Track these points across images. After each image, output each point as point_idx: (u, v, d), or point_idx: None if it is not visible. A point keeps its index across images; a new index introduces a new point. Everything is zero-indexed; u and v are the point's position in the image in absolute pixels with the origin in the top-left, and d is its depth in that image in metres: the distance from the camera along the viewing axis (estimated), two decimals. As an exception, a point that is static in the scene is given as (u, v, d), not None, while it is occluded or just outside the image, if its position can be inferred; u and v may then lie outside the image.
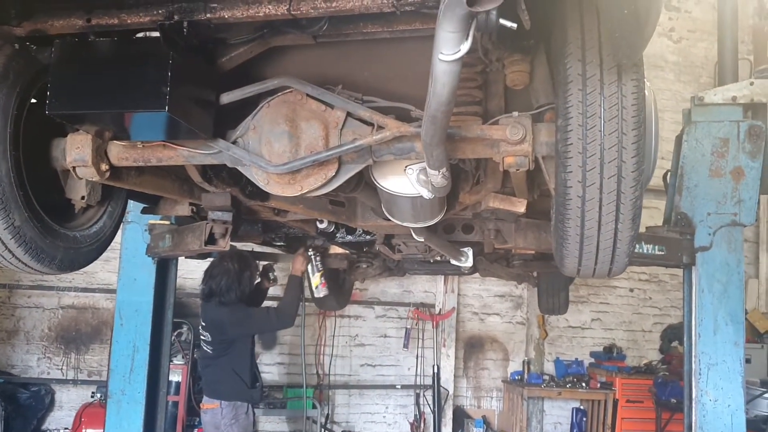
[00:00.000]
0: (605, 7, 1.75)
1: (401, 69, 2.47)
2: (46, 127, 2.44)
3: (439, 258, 5.00)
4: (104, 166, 2.43)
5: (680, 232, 3.74)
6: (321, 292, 5.04)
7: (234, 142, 2.37)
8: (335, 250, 5.10)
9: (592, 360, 9.06)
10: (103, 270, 7.62)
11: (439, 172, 2.17)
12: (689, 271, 3.84)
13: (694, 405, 3.73)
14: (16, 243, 2.32)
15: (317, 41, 2.30)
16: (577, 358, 8.98)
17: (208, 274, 4.55)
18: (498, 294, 8.93)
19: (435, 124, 1.84)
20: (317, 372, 7.91)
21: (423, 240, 3.68)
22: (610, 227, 1.94)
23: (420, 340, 8.39)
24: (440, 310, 8.46)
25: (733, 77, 3.99)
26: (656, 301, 9.53)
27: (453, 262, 4.58)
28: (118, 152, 2.44)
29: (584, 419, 8.36)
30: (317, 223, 4.01)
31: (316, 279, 4.97)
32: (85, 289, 7.62)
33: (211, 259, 4.76)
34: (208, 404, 4.64)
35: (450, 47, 1.54)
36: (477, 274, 6.31)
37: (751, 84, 3.84)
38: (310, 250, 4.95)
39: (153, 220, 4.22)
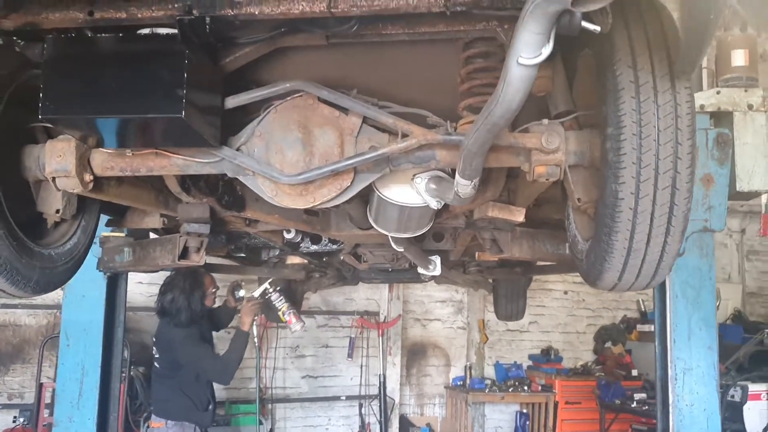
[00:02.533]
0: (668, 20, 1.69)
1: (413, 73, 2.33)
2: (14, 132, 2.18)
3: (398, 266, 4.91)
4: (88, 177, 2.18)
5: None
6: (296, 327, 4.82)
7: (237, 150, 2.18)
8: (293, 260, 4.90)
9: (531, 363, 9.19)
10: (26, 284, 7.08)
11: (471, 182, 2.05)
12: (663, 276, 3.87)
13: (671, 410, 3.76)
14: (-4, 268, 2.04)
15: (329, 42, 2.13)
16: (516, 362, 9.09)
17: (162, 290, 4.36)
18: (439, 299, 8.92)
19: (492, 132, 1.72)
20: (258, 386, 7.63)
21: (402, 249, 3.56)
22: (659, 240, 1.87)
23: (364, 349, 8.25)
24: (385, 317, 8.35)
25: (699, 86, 4.08)
26: (589, 303, 9.77)
27: (421, 270, 4.48)
28: (103, 161, 2.19)
29: (527, 422, 8.44)
30: (284, 233, 3.83)
31: (281, 316, 4.76)
32: (4, 305, 7.06)
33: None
34: (155, 422, 4.42)
35: (532, 50, 1.42)
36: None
37: (718, 93, 3.91)
38: (269, 288, 4.73)
39: (105, 232, 3.89)
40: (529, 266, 4.82)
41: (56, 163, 2.11)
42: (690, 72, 1.74)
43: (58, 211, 2.33)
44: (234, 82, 2.17)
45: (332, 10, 1.71)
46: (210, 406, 4.52)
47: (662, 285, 3.88)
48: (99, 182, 2.25)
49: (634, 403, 7.25)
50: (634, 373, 8.53)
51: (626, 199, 1.82)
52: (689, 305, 3.79)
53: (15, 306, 7.10)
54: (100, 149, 2.18)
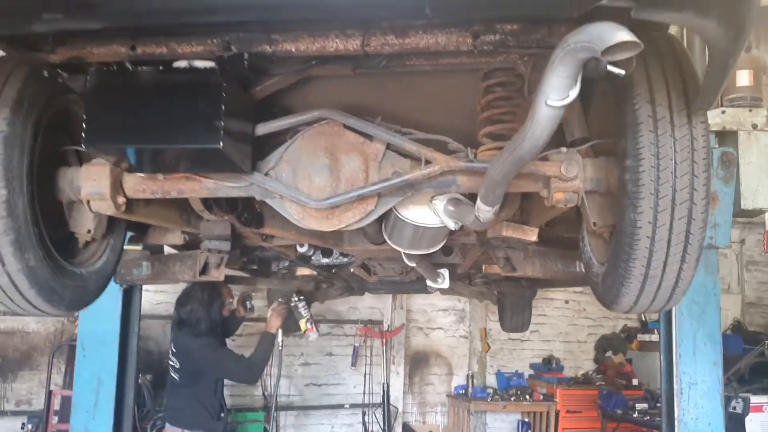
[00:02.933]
0: (685, 59, 1.78)
1: (434, 100, 2.42)
2: (50, 155, 2.25)
3: (407, 279, 4.99)
4: (121, 199, 2.26)
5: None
6: (313, 336, 4.95)
7: (266, 175, 2.26)
8: (302, 272, 4.98)
9: (532, 372, 9.27)
10: (34, 292, 7.16)
11: (493, 208, 2.13)
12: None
13: (676, 424, 3.84)
14: (30, 285, 2.12)
15: (354, 72, 2.21)
16: (517, 370, 9.17)
17: (180, 302, 4.46)
18: (442, 308, 9.00)
19: (518, 165, 1.80)
20: (263, 393, 7.69)
21: (413, 264, 3.64)
22: (675, 267, 1.95)
23: (368, 357, 8.32)
24: (389, 326, 8.43)
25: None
26: (590, 312, 9.85)
27: (430, 283, 4.56)
28: (135, 184, 2.27)
29: (529, 431, 8.52)
30: (297, 246, 3.91)
31: (302, 324, 4.88)
32: (13, 313, 7.11)
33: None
34: (169, 430, 4.53)
35: (560, 93, 1.51)
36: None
37: (723, 112, 4.01)
38: (294, 296, 4.86)
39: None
40: (536, 280, 4.89)
41: (91, 186, 2.19)
42: (707, 109, 1.82)
43: (89, 231, 2.40)
44: (262, 108, 2.26)
45: (365, 48, 1.80)
46: (222, 415, 4.63)
47: (668, 301, 3.96)
48: (130, 204, 2.33)
49: (636, 413, 7.32)
50: (635, 382, 8.60)
51: (644, 227, 1.90)
52: (694, 321, 3.88)
53: (24, 313, 7.15)
54: (133, 173, 2.26)
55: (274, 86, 2.21)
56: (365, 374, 8.31)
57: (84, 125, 1.88)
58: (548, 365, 9.18)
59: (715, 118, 3.99)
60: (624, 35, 1.31)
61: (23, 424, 6.68)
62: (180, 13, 1.62)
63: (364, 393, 8.26)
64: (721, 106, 4.06)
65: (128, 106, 1.89)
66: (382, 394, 8.04)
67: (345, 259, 4.21)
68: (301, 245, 3.90)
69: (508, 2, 1.57)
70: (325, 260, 4.19)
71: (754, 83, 4.06)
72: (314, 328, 4.87)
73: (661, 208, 1.87)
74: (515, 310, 5.93)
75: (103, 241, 2.55)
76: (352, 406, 8.30)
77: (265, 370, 7.72)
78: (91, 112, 1.89)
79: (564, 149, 2.16)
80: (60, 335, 7.14)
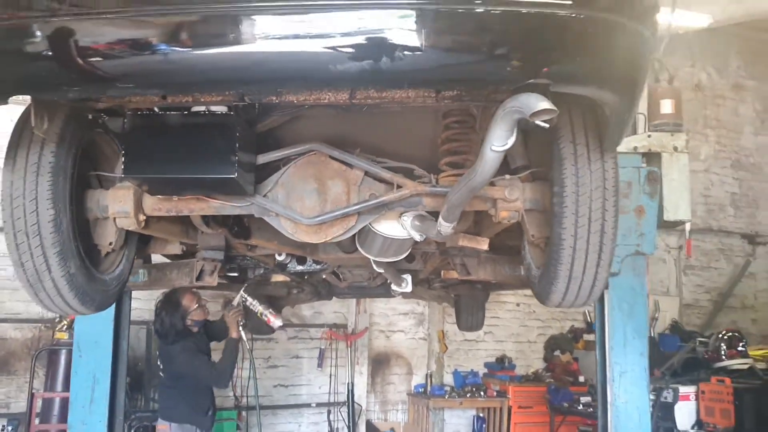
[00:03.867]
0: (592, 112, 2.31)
1: (403, 132, 2.91)
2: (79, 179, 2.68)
3: (373, 284, 5.49)
4: (141, 217, 2.70)
5: (596, 261, 4.42)
6: (276, 323, 5.35)
7: (264, 196, 2.72)
8: (277, 278, 5.42)
9: (486, 370, 9.83)
10: (11, 299, 7.45)
11: (452, 224, 2.63)
12: (602, 293, 4.52)
13: (609, 408, 4.40)
14: (69, 289, 2.54)
15: (337, 111, 2.70)
16: (473, 369, 9.71)
17: (155, 314, 4.94)
18: (402, 312, 9.51)
19: (471, 192, 2.31)
20: (234, 394, 8.08)
21: (382, 271, 4.13)
22: (592, 271, 2.48)
23: (333, 359, 8.78)
24: (353, 329, 8.91)
25: (633, 130, 4.74)
26: (539, 314, 10.46)
27: (394, 287, 5.05)
28: (153, 204, 2.71)
29: (484, 425, 9.07)
30: (276, 255, 4.36)
31: (261, 317, 5.29)
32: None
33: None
34: (160, 425, 4.98)
35: (501, 141, 2.01)
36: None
37: (649, 136, 4.61)
38: (240, 297, 5.25)
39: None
40: (488, 283, 5.43)
41: (118, 206, 2.63)
42: (614, 148, 2.36)
43: (110, 244, 2.82)
44: (261, 140, 2.73)
45: (352, 100, 2.28)
46: (210, 412, 5.07)
47: (602, 300, 4.53)
48: (147, 220, 2.78)
49: (581, 405, 7.93)
50: (581, 379, 9.21)
51: (567, 239, 2.42)
52: (624, 317, 4.45)
53: (2, 320, 7.43)
54: (152, 195, 2.71)
55: (274, 123, 2.69)
56: (330, 375, 8.76)
57: (123, 159, 2.33)
58: (501, 364, 9.75)
59: (642, 141, 4.59)
60: (544, 104, 1.82)
61: (3, 426, 6.95)
62: (207, 81, 2.05)
63: (329, 393, 8.73)
64: (648, 131, 4.67)
65: (159, 143, 2.34)
66: (346, 393, 8.51)
67: (318, 267, 4.67)
68: (280, 254, 4.36)
69: (466, 80, 2.06)
70: (299, 267, 4.64)
71: (675, 111, 4.68)
72: (273, 317, 5.26)
73: (580, 225, 2.39)
74: (470, 311, 6.46)
75: (120, 252, 2.98)
76: (318, 405, 8.75)
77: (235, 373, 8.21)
78: (129, 148, 2.34)
79: (507, 176, 2.69)
80: (37, 341, 7.42)
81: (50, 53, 1.82)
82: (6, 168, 2.41)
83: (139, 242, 3.57)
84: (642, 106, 4.83)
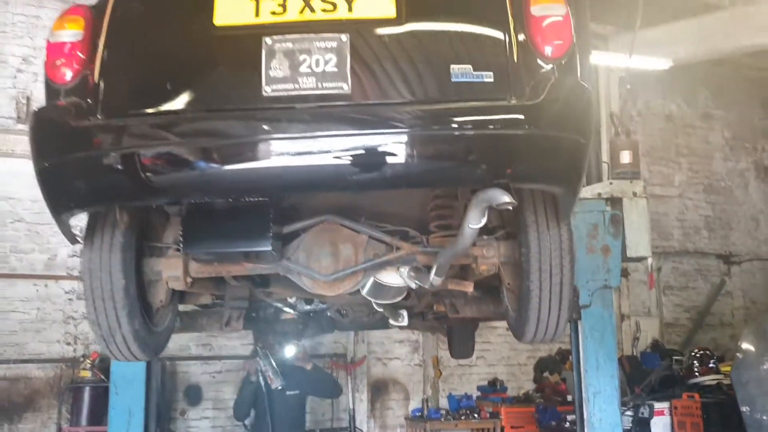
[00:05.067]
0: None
1: (399, 201, 3.54)
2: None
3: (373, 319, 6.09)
4: (188, 279, 3.29)
5: (569, 295, 5.05)
6: (275, 384, 6.16)
7: (288, 259, 3.34)
8: (286, 316, 6.02)
9: (479, 393, 10.39)
10: (34, 341, 8.01)
11: (441, 278, 3.26)
12: (575, 323, 5.15)
13: (585, 425, 5.01)
14: (134, 341, 3.14)
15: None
16: (466, 393, 10.25)
17: None
18: (398, 340, 10.09)
19: (455, 256, 2.94)
20: (244, 424, 8.61)
21: (381, 309, 4.73)
22: (555, 313, 3.09)
23: (334, 388, 9.35)
24: (352, 358, 9.48)
25: (598, 178, 5.41)
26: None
27: (392, 321, 5.65)
28: (197, 267, 3.30)
29: (478, 446, 9.62)
30: (287, 298, 4.96)
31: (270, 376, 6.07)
32: (17, 361, 7.93)
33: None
34: None
35: (476, 222, 2.65)
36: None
37: (611, 183, 5.28)
38: (257, 356, 6.06)
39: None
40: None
41: (171, 272, 3.22)
42: (567, 218, 2.99)
43: (161, 301, 3.41)
44: (286, 213, 3.34)
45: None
46: None
47: (576, 329, 5.16)
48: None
49: (567, 423, 8.49)
50: (569, 398, 9.74)
51: (534, 290, 3.04)
52: (596, 344, 5.07)
53: (26, 362, 7.96)
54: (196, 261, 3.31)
55: (295, 200, 3.32)
56: (332, 402, 9.31)
57: (183, 238, 2.94)
58: (493, 387, 10.29)
59: (606, 188, 5.26)
60: (506, 198, 2.46)
61: (31, 460, 7.47)
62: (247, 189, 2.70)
63: (332, 419, 9.27)
64: (610, 178, 5.33)
65: (210, 225, 2.95)
66: (348, 419, 9.06)
67: (323, 306, 5.28)
68: (291, 297, 4.97)
69: (447, 181, 2.71)
70: (308, 307, 5.25)
71: (633, 160, 5.36)
72: (271, 380, 6.17)
73: (543, 278, 3.02)
74: (461, 340, 7.04)
75: (168, 307, 3.57)
76: (322, 431, 9.28)
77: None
78: (186, 229, 2.95)
79: (486, 237, 3.32)
80: (59, 380, 7.96)
81: (129, 175, 2.45)
82: (85, 247, 3.02)
83: (179, 295, 4.20)
84: (605, 156, 5.51)
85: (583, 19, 7.01)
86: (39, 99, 8.27)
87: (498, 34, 2.65)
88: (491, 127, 2.45)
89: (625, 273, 10.35)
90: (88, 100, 2.63)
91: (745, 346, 5.40)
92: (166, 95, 2.61)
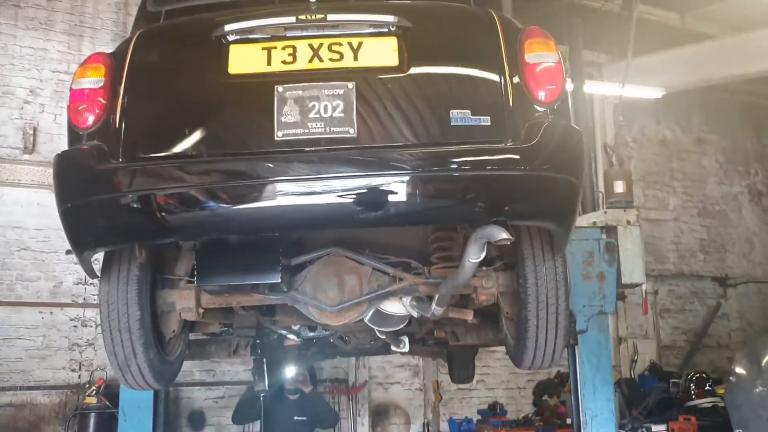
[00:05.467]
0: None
1: (402, 233, 3.69)
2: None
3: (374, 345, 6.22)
4: (200, 310, 3.43)
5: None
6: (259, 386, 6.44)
7: (295, 290, 3.48)
8: (289, 342, 6.15)
9: (480, 417, 10.47)
10: (40, 368, 8.11)
11: (442, 307, 3.41)
12: (573, 348, 5.29)
13: (584, 447, 5.13)
14: (149, 370, 3.27)
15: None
16: (467, 417, 10.33)
17: None
18: (398, 365, 10.19)
19: (456, 288, 3.10)
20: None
21: (383, 336, 4.86)
22: (552, 341, 3.24)
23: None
24: (353, 383, 9.58)
25: (593, 207, 5.58)
26: (529, 362, 11.14)
27: (393, 347, 5.78)
28: (209, 299, 3.44)
29: (479, 468, 9.69)
30: (292, 325, 5.10)
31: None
32: (22, 387, 8.02)
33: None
34: None
35: (475, 256, 2.81)
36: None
37: (605, 212, 5.44)
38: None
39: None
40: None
41: (183, 303, 3.36)
42: (561, 251, 3.15)
43: (173, 331, 3.55)
44: (294, 245, 3.49)
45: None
46: None
47: (573, 354, 5.30)
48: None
49: (567, 446, 8.59)
50: (569, 421, 9.84)
51: (532, 319, 3.19)
52: (593, 368, 5.20)
53: (31, 388, 8.05)
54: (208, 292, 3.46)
55: (303, 234, 3.48)
56: (334, 427, 9.38)
57: (197, 271, 3.09)
58: (493, 411, 10.38)
59: (601, 217, 5.43)
60: (503, 234, 2.62)
61: (36, 485, 7.55)
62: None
63: (333, 443, 9.35)
64: (605, 207, 5.50)
65: (223, 258, 3.10)
66: (350, 444, 9.15)
67: (326, 332, 5.41)
68: (296, 325, 5.11)
69: (447, 219, 2.88)
70: (311, 334, 5.38)
71: (626, 190, 5.54)
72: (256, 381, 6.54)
73: (540, 308, 3.16)
74: (461, 365, 7.17)
75: (180, 337, 3.71)
76: (323, 455, 9.35)
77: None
78: (200, 263, 3.09)
79: (485, 268, 3.46)
80: (64, 406, 8.05)
81: (149, 215, 2.62)
82: (103, 281, 3.17)
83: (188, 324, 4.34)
84: (600, 185, 5.68)
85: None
86: (45, 129, 8.53)
87: (494, 80, 2.82)
88: (489, 167, 2.62)
89: (621, 296, 10.49)
90: (109, 143, 2.79)
91: (739, 369, 5.54)
92: (184, 139, 2.77)
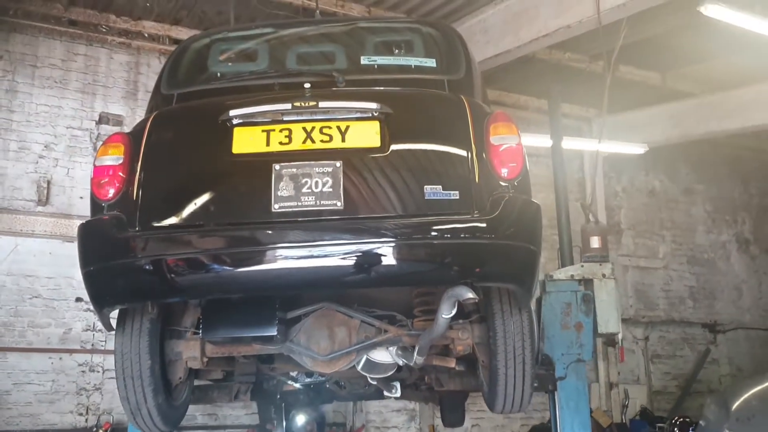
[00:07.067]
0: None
1: (385, 288, 4.07)
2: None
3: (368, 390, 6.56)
4: (204, 359, 3.80)
5: (545, 368, 5.55)
6: None
7: (291, 341, 3.86)
8: (287, 388, 6.49)
9: (474, 461, 10.70)
10: (48, 411, 8.42)
11: (423, 357, 3.78)
12: (553, 394, 5.63)
13: (564, 488, 5.43)
14: (158, 414, 3.63)
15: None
16: (462, 461, 10.57)
17: None
18: (395, 409, 10.45)
19: (433, 339, 3.48)
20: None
21: (375, 382, 5.21)
22: (519, 387, 3.59)
23: (334, 456, 9.71)
24: (351, 427, 9.85)
25: (570, 260, 5.97)
26: (521, 407, 11.39)
27: (385, 393, 6.12)
28: (212, 349, 3.79)
29: None
30: (290, 372, 5.45)
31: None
32: (32, 431, 8.27)
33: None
34: None
35: (447, 312, 3.20)
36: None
37: (582, 266, 5.84)
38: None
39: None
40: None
41: (190, 353, 3.72)
42: (526, 306, 3.53)
43: (180, 378, 3.92)
44: (289, 301, 3.87)
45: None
46: None
47: (553, 399, 5.63)
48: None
49: (558, 490, 8.82)
50: (561, 466, 10.09)
51: (501, 369, 3.56)
52: (572, 413, 5.52)
53: (40, 431, 8.34)
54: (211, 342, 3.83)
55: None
56: (333, 472, 9.65)
57: (203, 325, 3.47)
58: (488, 455, 10.63)
59: (578, 270, 5.81)
60: (470, 294, 3.01)
61: None
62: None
63: (331, 487, 9.58)
64: (582, 261, 5.90)
65: (226, 314, 3.49)
66: (347, 487, 9.38)
67: (322, 378, 5.76)
68: (293, 371, 5.47)
69: (424, 281, 3.28)
70: (308, 380, 5.73)
71: (602, 245, 5.94)
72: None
73: (508, 358, 3.53)
74: (452, 409, 7.46)
75: (186, 383, 4.07)
76: (320, 499, 9.57)
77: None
78: (205, 318, 3.49)
79: (461, 321, 3.84)
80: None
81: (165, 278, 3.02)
82: (117, 333, 3.55)
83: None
84: (577, 240, 6.09)
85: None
86: (59, 182, 8.99)
87: (463, 159, 3.24)
88: (456, 236, 3.03)
89: (612, 343, 10.78)
90: (127, 214, 3.20)
91: (707, 413, 5.83)
92: (192, 210, 3.19)
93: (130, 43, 9.71)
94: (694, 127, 10.31)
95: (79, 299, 8.71)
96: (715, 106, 9.95)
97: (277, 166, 3.15)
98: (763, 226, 14.36)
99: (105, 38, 9.57)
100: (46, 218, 8.79)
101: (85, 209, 7.59)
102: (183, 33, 9.48)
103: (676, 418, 8.68)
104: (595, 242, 5.92)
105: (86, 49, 9.49)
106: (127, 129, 5.45)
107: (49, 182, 9.01)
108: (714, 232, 13.65)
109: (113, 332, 3.58)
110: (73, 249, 3.33)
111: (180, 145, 3.42)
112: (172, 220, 3.20)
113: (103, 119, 9.42)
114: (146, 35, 9.74)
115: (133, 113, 9.38)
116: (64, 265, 8.59)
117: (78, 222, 3.42)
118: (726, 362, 12.95)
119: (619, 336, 5.95)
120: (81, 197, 8.94)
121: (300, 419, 7.74)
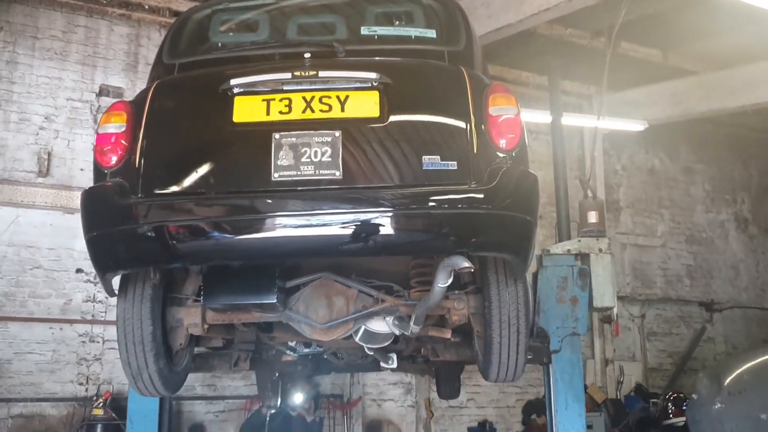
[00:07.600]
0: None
1: (385, 259, 4.13)
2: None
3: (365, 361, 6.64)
4: (205, 325, 3.86)
5: (540, 341, 5.62)
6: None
7: (290, 309, 3.91)
8: (286, 358, 6.58)
9: (470, 435, 10.86)
10: (49, 381, 8.52)
11: (419, 326, 3.84)
12: (548, 367, 5.71)
13: (558, 460, 5.53)
14: (159, 379, 3.70)
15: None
16: (458, 434, 10.74)
17: None
18: (392, 382, 10.57)
19: (429, 309, 3.53)
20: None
21: (372, 353, 5.29)
22: (513, 357, 3.66)
23: (330, 427, 9.82)
24: (348, 399, 9.98)
25: (567, 236, 6.02)
26: (517, 381, 11.45)
27: (382, 364, 6.20)
28: (213, 315, 3.85)
29: (468, 484, 10.04)
30: (289, 342, 5.52)
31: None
32: (32, 399, 8.42)
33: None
34: None
35: (443, 281, 3.25)
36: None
37: (579, 241, 5.89)
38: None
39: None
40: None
41: (191, 319, 3.78)
42: (522, 276, 3.58)
43: (181, 344, 3.98)
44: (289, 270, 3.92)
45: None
46: None
47: (548, 372, 5.72)
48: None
49: (552, 463, 8.96)
50: (556, 440, 10.23)
51: (495, 337, 3.61)
52: (566, 386, 5.61)
53: (41, 400, 8.45)
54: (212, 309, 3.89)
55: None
56: (328, 442, 9.78)
57: (204, 292, 3.53)
58: (483, 428, 10.72)
59: (575, 244, 5.87)
60: (465, 263, 3.06)
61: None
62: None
63: (328, 458, 9.74)
64: (579, 236, 5.95)
65: (227, 281, 3.53)
66: (343, 458, 9.53)
67: (320, 349, 5.83)
68: (292, 341, 5.54)
69: (422, 250, 3.33)
70: (306, 350, 5.80)
71: (599, 220, 5.99)
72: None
73: (503, 327, 3.59)
74: (448, 381, 7.56)
75: (186, 349, 4.14)
76: (317, 469, 9.73)
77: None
78: (206, 285, 3.53)
79: (457, 292, 3.89)
80: (72, 418, 8.45)
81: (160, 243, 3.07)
82: (120, 299, 3.61)
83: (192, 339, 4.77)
84: (575, 216, 6.14)
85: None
86: (59, 154, 9.01)
87: (462, 130, 3.28)
88: (454, 206, 3.07)
89: (608, 320, 10.88)
90: (130, 181, 3.24)
91: (699, 387, 5.94)
92: (193, 178, 3.23)
93: (130, 15, 9.69)
94: (695, 105, 10.31)
95: (79, 270, 8.78)
96: (717, 84, 9.94)
97: (276, 135, 3.19)
98: (762, 206, 14.41)
99: (105, 10, 9.55)
100: (47, 190, 8.82)
101: (85, 181, 7.66)
102: (183, 5, 9.43)
103: (670, 393, 8.79)
104: (592, 217, 5.96)
105: (87, 20, 9.47)
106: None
107: (49, 154, 9.03)
108: (713, 212, 13.70)
109: (115, 299, 3.64)
110: (73, 220, 3.40)
111: (181, 113, 3.45)
112: (174, 188, 3.24)
113: (103, 91, 9.42)
114: (147, 7, 9.71)
115: (134, 85, 9.37)
116: (64, 236, 8.65)
117: (79, 193, 3.46)
118: (722, 341, 13.07)
119: (615, 311, 6.02)
120: (81, 169, 8.97)
121: (298, 398, 7.83)
